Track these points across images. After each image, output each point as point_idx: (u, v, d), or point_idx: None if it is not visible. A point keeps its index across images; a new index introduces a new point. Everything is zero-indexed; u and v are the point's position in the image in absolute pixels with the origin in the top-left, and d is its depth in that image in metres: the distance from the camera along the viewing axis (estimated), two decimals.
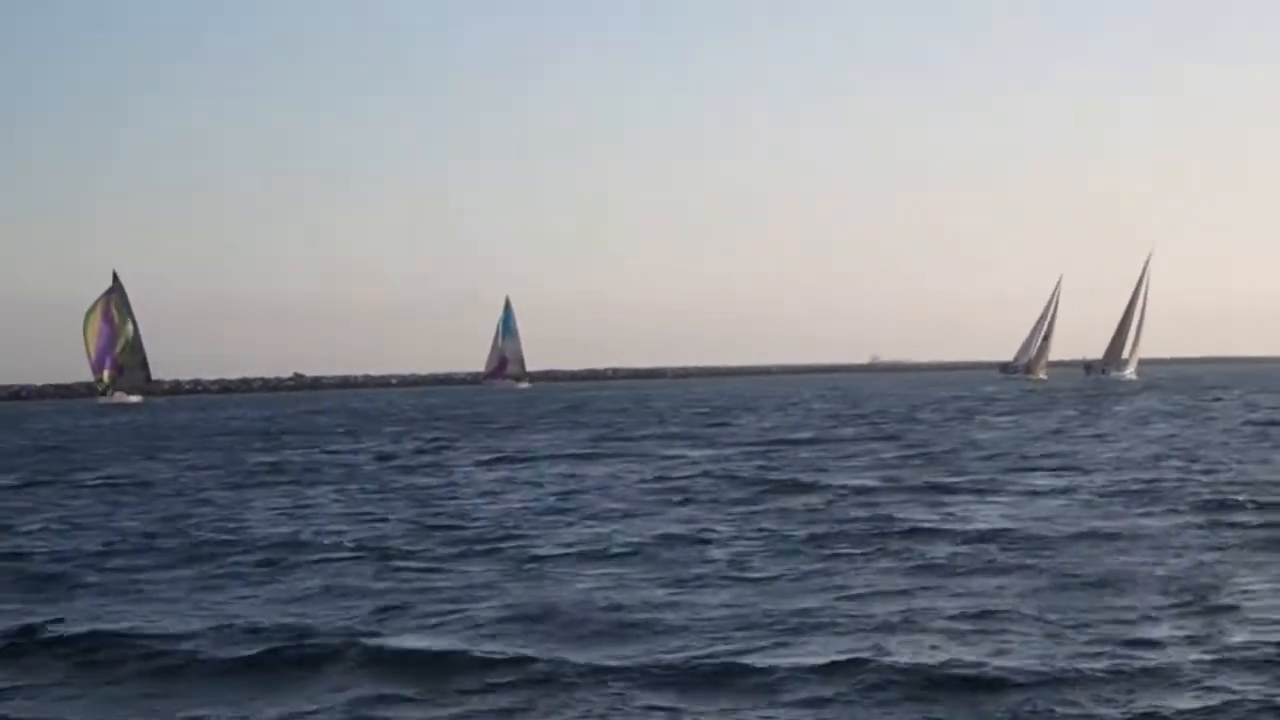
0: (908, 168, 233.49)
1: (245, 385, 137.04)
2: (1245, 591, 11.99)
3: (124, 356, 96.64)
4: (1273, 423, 38.36)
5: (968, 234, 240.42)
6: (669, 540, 16.06)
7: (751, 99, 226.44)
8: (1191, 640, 10.05)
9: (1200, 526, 16.22)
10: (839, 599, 12.01)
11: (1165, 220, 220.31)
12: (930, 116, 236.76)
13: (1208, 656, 9.47)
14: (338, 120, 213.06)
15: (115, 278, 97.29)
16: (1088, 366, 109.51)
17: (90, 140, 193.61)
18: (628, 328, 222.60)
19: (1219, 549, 14.48)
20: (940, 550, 14.84)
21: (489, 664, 9.64)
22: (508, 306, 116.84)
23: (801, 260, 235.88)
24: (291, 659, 9.95)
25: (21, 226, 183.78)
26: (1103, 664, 9.30)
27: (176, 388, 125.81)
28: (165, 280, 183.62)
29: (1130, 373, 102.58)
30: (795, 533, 16.44)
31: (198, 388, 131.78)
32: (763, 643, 10.24)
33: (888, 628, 10.69)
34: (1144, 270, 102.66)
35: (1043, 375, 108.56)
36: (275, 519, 19.63)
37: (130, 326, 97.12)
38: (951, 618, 11.02)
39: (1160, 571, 13.06)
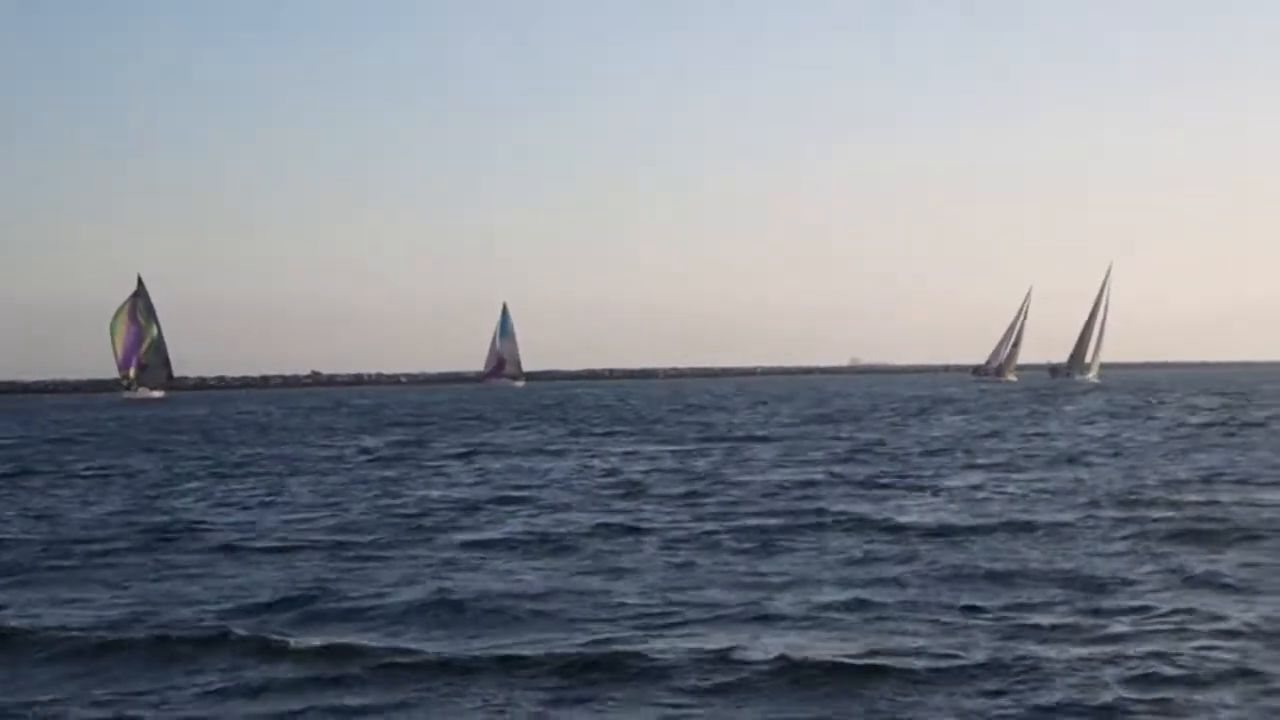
0: (891, 180, 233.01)
1: (264, 382, 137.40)
2: (1133, 583, 11.70)
3: (148, 356, 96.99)
4: (1207, 425, 38.15)
5: (946, 245, 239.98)
6: (603, 530, 15.79)
7: (748, 108, 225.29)
8: (1073, 631, 9.78)
9: (1114, 521, 15.91)
10: (750, 588, 11.74)
11: (1127, 236, 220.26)
12: (918, 132, 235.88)
13: (1085, 650, 9.16)
14: (356, 128, 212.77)
15: (140, 282, 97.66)
16: (1053, 370, 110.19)
17: (118, 145, 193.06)
18: (626, 330, 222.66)
19: (1126, 542, 14.20)
20: (857, 542, 14.61)
21: (390, 653, 9.33)
22: (505, 311, 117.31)
23: (786, 267, 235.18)
24: (185, 643, 9.66)
25: (52, 230, 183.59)
26: (981, 655, 9.04)
27: (201, 383, 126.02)
28: (194, 282, 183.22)
29: (1092, 375, 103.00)
30: (726, 524, 16.16)
31: (221, 384, 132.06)
32: (664, 631, 9.97)
33: (784, 618, 10.43)
34: (1104, 283, 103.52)
35: (1012, 378, 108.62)
36: (241, 508, 19.39)
37: (155, 328, 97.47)
38: (849, 608, 10.76)
39: (1063, 564, 12.79)
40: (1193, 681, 8.30)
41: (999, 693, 8.18)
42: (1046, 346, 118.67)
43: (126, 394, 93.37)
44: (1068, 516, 16.39)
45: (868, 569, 12.76)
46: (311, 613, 10.95)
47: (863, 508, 17.72)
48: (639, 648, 9.35)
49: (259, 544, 15.20)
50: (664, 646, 9.41)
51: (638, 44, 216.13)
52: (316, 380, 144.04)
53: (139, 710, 8.13)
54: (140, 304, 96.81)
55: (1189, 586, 11.53)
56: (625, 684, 8.56)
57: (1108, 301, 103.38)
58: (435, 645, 9.57)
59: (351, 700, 8.24)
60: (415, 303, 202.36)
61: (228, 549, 14.85)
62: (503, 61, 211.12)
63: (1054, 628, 9.92)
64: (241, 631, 9.93)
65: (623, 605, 11.06)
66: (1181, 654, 8.92)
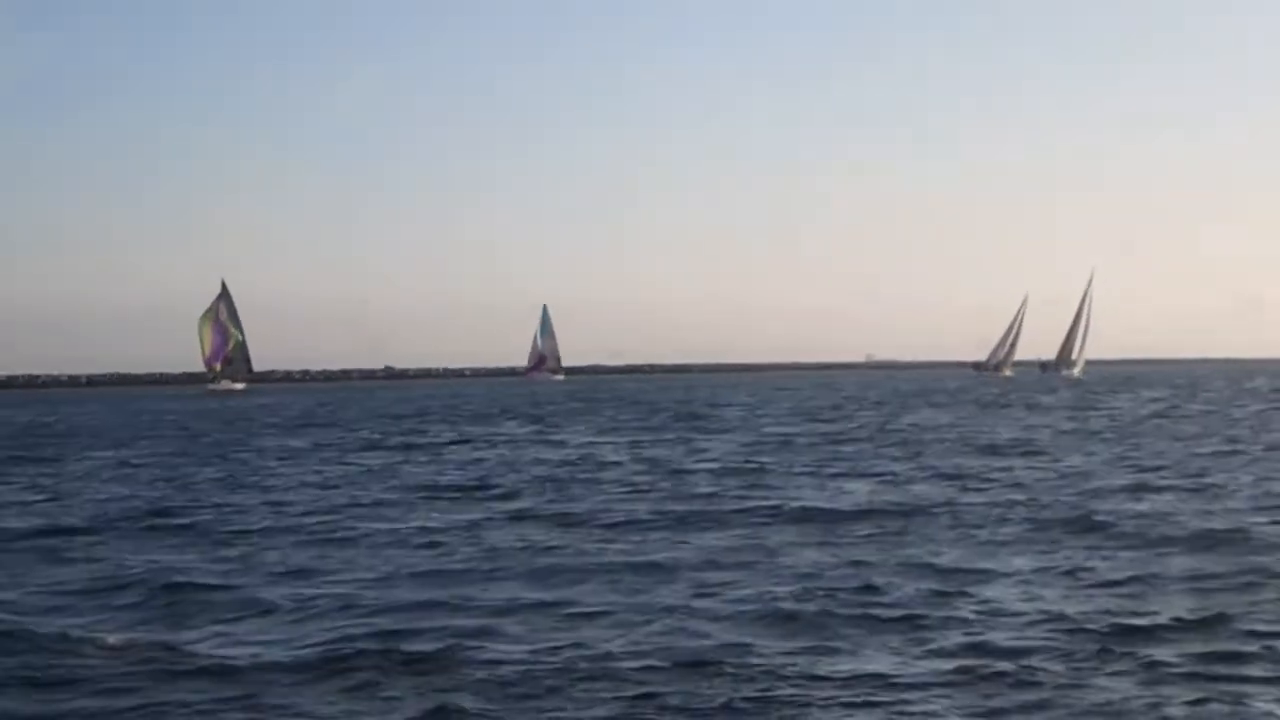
0: (908, 189, 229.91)
1: (345, 375, 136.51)
2: (982, 572, 10.83)
3: (233, 352, 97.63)
4: (1150, 415, 37.06)
5: (951, 251, 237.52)
6: (521, 516, 15.24)
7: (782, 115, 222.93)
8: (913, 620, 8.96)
9: (995, 505, 15.22)
10: (632, 577, 10.81)
11: (1115, 241, 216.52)
12: (932, 147, 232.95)
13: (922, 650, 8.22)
14: (394, 138, 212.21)
15: (224, 285, 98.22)
16: (1043, 365, 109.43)
17: (209, 153, 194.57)
18: (667, 328, 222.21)
19: (999, 529, 13.39)
20: (736, 526, 14.00)
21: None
22: (545, 311, 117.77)
23: (809, 268, 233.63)
24: None
25: (143, 234, 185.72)
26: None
27: (287, 376, 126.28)
28: (285, 283, 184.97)
29: (1077, 371, 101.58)
30: (653, 511, 15.42)
31: (305, 377, 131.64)
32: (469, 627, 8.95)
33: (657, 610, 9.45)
34: (1087, 286, 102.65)
35: (1009, 373, 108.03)
36: (213, 495, 18.84)
37: (238, 329, 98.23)
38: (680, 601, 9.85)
39: (931, 549, 12.06)
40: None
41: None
42: (1039, 345, 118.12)
43: (211, 386, 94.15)
44: (970, 500, 15.88)
45: (720, 556, 12.04)
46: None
47: (769, 495, 16.93)
48: (451, 642, 8.50)
49: (180, 521, 14.82)
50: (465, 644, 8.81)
51: (655, 48, 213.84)
52: (390, 374, 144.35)
53: None
54: (224, 306, 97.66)
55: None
56: (429, 678, 7.80)
57: (1091, 304, 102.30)
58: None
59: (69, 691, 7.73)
60: (481, 302, 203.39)
61: (156, 526, 14.52)
62: (561, 71, 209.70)
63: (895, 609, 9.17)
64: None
65: (417, 599, 10.16)
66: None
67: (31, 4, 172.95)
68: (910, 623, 8.85)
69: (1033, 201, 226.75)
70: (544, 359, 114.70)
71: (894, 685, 7.30)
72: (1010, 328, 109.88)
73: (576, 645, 8.30)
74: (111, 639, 8.74)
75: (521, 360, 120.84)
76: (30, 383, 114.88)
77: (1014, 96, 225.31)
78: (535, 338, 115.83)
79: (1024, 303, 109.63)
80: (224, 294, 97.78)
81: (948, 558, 11.63)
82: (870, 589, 10.03)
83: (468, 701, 7.11)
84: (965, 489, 17.31)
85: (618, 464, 22.83)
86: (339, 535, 13.97)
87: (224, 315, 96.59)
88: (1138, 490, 16.85)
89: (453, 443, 30.10)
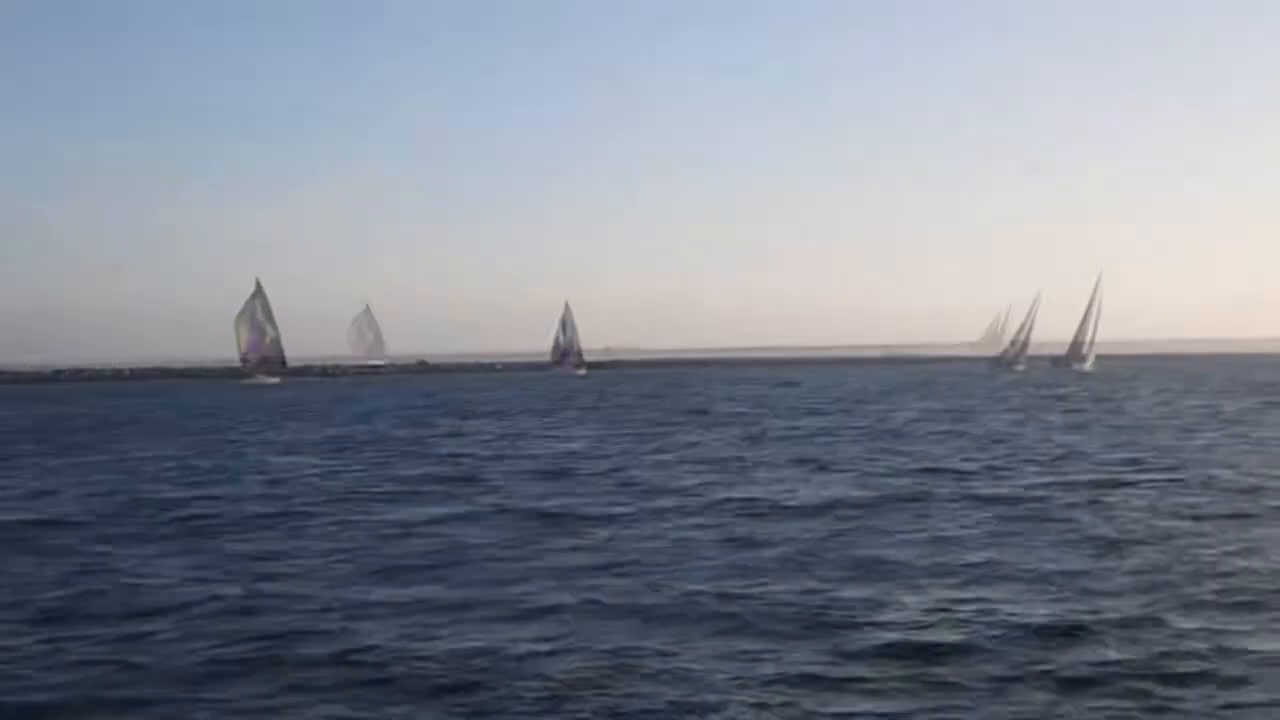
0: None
1: (376, 370, 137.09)
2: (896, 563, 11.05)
3: (269, 348, 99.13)
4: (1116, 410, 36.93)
5: (967, 256, 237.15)
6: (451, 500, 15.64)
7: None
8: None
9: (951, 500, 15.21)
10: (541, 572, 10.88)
11: (1125, 244, 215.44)
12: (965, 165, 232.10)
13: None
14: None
15: (258, 284, 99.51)
16: (1054, 360, 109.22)
17: (253, 156, 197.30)
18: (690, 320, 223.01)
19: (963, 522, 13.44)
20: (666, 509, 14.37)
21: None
22: (567, 307, 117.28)
23: (838, 264, 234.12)
24: None
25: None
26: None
27: (324, 370, 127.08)
28: (321, 284, 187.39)
29: (1088, 365, 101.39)
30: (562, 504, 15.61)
31: (338, 370, 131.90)
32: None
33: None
34: (1096, 286, 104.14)
35: (1021, 367, 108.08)
36: (176, 483, 19.47)
37: (272, 327, 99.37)
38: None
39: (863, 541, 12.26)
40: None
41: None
42: (1049, 343, 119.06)
43: (246, 380, 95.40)
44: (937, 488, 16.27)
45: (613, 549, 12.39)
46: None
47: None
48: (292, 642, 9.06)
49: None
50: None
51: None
52: (424, 368, 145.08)
53: None
54: (260, 305, 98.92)
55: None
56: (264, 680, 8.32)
57: (1100, 303, 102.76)
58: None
59: None
60: (512, 302, 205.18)
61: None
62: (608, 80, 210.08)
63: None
64: None
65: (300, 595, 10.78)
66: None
67: None
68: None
69: (1042, 205, 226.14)
70: (566, 353, 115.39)
71: None
72: (1023, 324, 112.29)
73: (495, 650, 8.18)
74: None
75: (539, 354, 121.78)
76: (75, 376, 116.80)
77: (1017, 97, 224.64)
78: (558, 333, 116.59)
79: (1035, 300, 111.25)
80: (259, 292, 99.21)
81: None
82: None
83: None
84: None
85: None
86: None
87: (259, 314, 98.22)
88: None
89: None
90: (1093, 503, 14.78)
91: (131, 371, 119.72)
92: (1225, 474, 17.83)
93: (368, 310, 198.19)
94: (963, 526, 13.12)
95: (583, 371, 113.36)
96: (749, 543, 12.19)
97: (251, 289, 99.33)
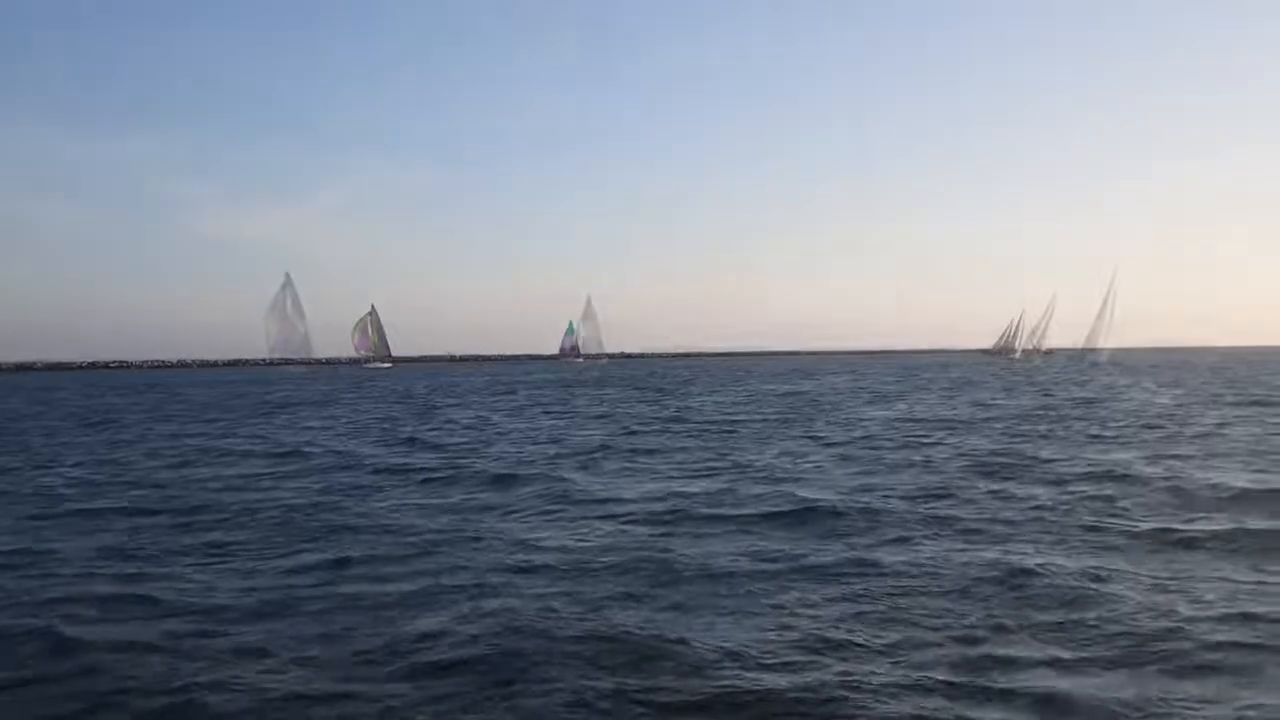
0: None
1: (430, 359, 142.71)
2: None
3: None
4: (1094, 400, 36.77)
5: (964, 252, 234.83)
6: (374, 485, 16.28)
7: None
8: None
9: (915, 498, 14.12)
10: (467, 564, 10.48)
11: (1142, 237, 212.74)
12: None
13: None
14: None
15: (287, 277, 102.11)
16: (1071, 355, 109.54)
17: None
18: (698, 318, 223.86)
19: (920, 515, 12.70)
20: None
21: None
22: (589, 302, 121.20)
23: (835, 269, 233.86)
24: None
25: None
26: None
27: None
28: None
29: (1104, 359, 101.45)
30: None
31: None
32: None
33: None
34: (1111, 282, 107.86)
35: (1038, 361, 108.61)
36: (163, 463, 20.06)
37: (301, 321, 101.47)
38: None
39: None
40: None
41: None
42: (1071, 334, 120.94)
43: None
44: (882, 480, 16.00)
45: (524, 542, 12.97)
46: None
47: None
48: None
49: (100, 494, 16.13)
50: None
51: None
52: (453, 359, 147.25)
53: None
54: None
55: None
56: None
57: (1115, 298, 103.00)
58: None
59: None
60: (538, 299, 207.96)
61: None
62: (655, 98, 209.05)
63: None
64: None
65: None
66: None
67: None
68: None
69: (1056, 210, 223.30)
70: (576, 345, 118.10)
71: None
72: (1040, 320, 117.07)
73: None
74: None
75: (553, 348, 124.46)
76: (144, 365, 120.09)
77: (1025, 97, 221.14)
78: (573, 324, 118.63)
79: (1052, 299, 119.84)
80: (288, 283, 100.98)
81: None
82: None
83: None
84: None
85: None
86: None
87: (289, 309, 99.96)
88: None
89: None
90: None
91: (196, 363, 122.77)
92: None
93: (373, 311, 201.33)
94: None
95: (603, 361, 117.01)
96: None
97: (281, 281, 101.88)
